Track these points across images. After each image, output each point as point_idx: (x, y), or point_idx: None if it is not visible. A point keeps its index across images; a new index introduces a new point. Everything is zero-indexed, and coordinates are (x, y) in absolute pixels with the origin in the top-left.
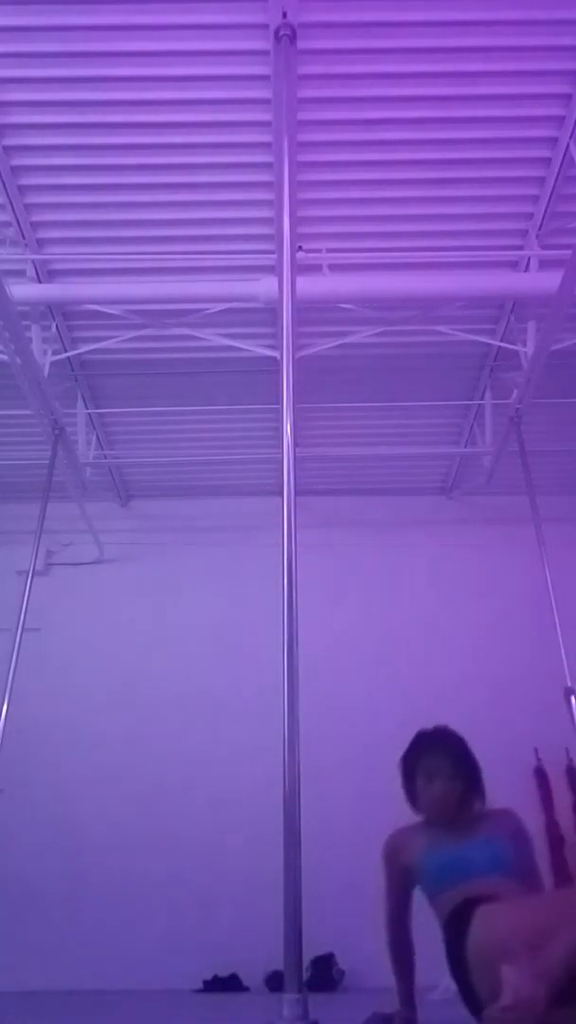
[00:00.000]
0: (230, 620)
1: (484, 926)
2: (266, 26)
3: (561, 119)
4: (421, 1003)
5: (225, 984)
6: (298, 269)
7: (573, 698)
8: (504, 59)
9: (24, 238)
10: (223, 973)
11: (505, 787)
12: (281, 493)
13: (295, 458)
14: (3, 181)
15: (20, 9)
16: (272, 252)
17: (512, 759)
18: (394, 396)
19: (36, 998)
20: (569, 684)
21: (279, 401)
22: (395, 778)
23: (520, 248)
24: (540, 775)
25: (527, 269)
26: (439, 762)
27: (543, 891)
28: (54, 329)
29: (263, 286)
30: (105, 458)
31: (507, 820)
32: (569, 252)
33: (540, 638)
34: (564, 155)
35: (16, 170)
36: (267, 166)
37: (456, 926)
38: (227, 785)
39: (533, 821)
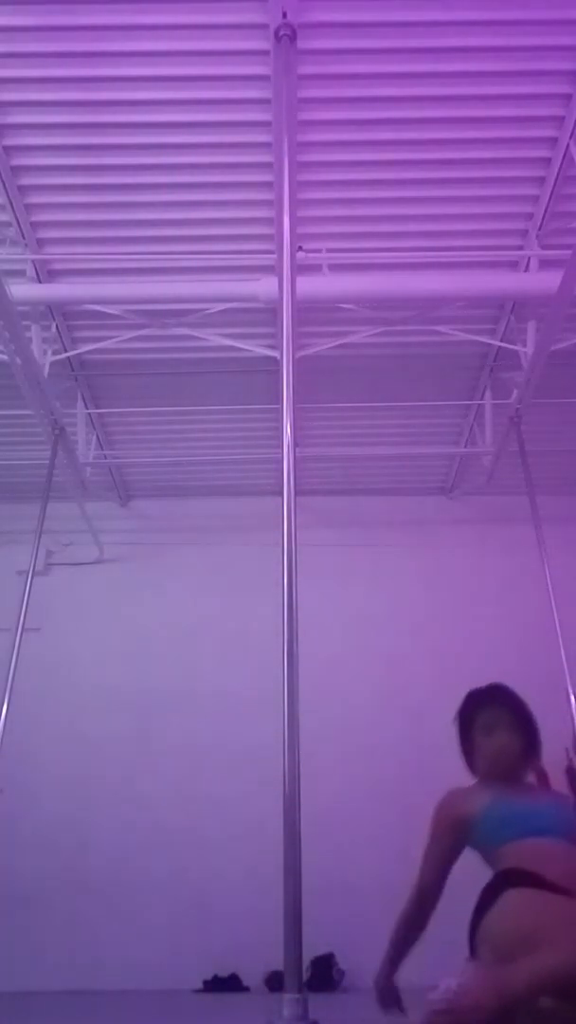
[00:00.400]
0: (230, 620)
1: (500, 914)
2: (266, 26)
3: (561, 119)
4: (418, 1003)
5: (225, 984)
6: (298, 269)
7: (573, 698)
8: (504, 59)
9: (24, 238)
10: (223, 973)
11: None
12: (281, 493)
13: (295, 458)
14: (3, 181)
15: (20, 9)
16: (272, 252)
17: None
18: (394, 396)
19: (36, 998)
20: (569, 684)
21: (279, 401)
22: (394, 778)
23: (520, 248)
24: (540, 775)
25: (527, 269)
26: (498, 714)
27: None
28: (54, 329)
29: (263, 286)
30: (105, 458)
31: (569, 799)
32: (569, 252)
33: (540, 638)
34: (564, 155)
35: (16, 170)
36: (267, 166)
37: (483, 901)
38: (227, 785)
39: None
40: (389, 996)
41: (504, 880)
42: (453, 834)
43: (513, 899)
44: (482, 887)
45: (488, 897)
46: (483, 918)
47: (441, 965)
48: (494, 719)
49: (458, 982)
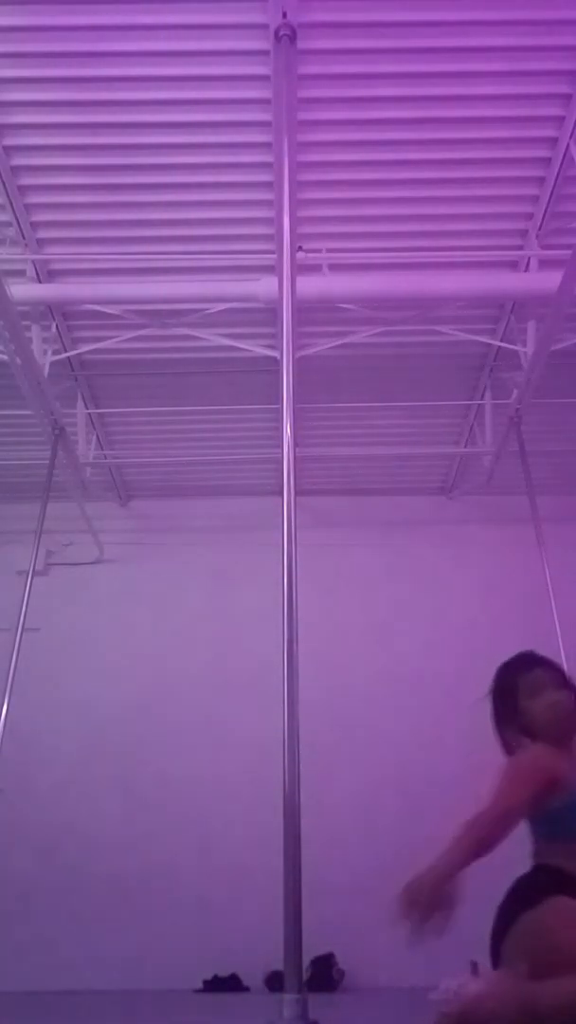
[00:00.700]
0: (230, 620)
1: (545, 922)
2: (266, 26)
3: (561, 119)
4: (422, 1003)
5: (225, 984)
6: (298, 269)
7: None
8: (504, 59)
9: (24, 238)
10: (223, 973)
11: None
12: (281, 493)
13: (295, 458)
14: (3, 181)
15: (20, 9)
16: (272, 252)
17: None
18: (394, 396)
19: (36, 998)
20: None
21: (279, 401)
22: (394, 777)
23: (520, 248)
24: None
25: (527, 269)
26: (542, 674)
27: None
28: (54, 329)
29: (263, 286)
30: (105, 458)
31: None
32: (569, 252)
33: (540, 638)
34: (564, 155)
35: (16, 170)
36: (267, 166)
37: (523, 894)
38: (227, 784)
39: None
40: (443, 901)
41: (558, 882)
42: (543, 788)
43: (565, 909)
44: (524, 876)
45: (531, 893)
46: (520, 916)
47: (442, 966)
48: (539, 680)
49: (458, 983)
